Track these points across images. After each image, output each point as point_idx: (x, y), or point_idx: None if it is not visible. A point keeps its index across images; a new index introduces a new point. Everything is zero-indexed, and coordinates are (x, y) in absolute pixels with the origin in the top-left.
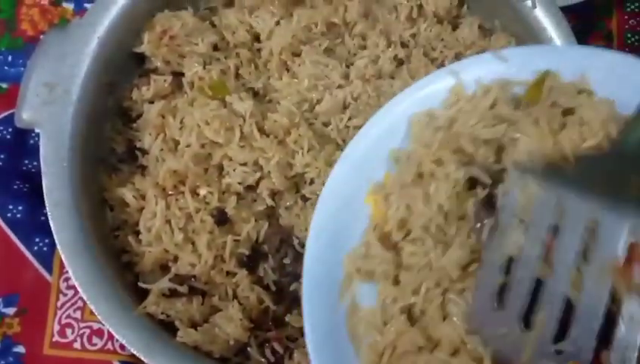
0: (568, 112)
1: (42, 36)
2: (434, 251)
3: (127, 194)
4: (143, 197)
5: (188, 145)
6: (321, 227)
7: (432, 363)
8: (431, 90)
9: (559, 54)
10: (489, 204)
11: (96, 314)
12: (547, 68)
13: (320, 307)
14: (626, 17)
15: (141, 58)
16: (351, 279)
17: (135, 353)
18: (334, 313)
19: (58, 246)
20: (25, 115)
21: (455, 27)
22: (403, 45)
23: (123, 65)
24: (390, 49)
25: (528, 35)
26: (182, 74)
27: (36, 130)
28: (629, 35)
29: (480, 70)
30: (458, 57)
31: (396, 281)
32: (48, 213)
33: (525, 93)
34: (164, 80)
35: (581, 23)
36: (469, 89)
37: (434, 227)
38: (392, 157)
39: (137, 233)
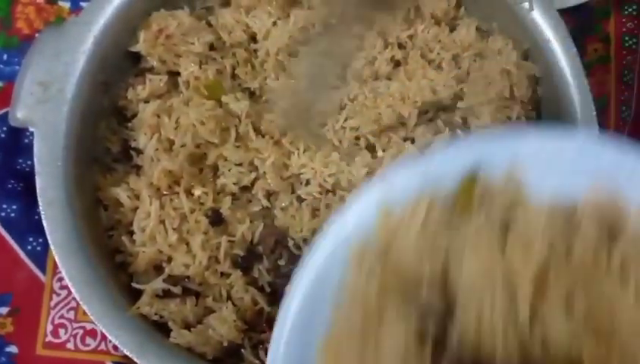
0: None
1: (37, 35)
2: None
3: (122, 194)
4: (138, 197)
5: (183, 145)
6: None
7: None
8: (359, 214)
9: (486, 144)
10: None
11: (89, 314)
12: (474, 166)
13: None
14: (624, 19)
15: (136, 58)
16: None
17: (128, 354)
18: None
19: (52, 246)
20: (19, 114)
21: (452, 29)
22: (400, 46)
23: (119, 64)
24: (387, 50)
25: (525, 37)
26: (178, 74)
27: (31, 129)
28: (627, 38)
29: (406, 179)
30: (455, 58)
31: None
32: (42, 212)
33: (456, 202)
34: (160, 80)
35: (578, 25)
36: (397, 204)
37: None
38: (333, 305)
39: (131, 233)
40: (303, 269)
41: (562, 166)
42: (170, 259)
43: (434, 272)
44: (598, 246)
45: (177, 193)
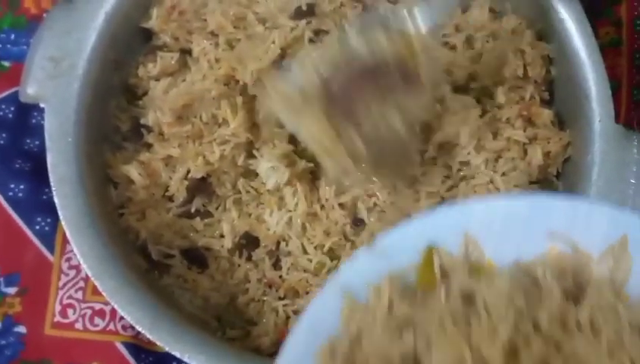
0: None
1: (46, 13)
2: None
3: (132, 171)
4: (149, 174)
5: None
6: None
7: None
8: (323, 309)
9: (434, 221)
10: None
11: (101, 290)
12: (428, 243)
13: None
14: (635, 3)
15: (147, 36)
16: None
17: (140, 329)
18: None
19: (63, 222)
20: (30, 90)
21: (465, 10)
22: None
23: (130, 41)
24: None
25: (539, 16)
26: (188, 52)
27: (41, 105)
28: (639, 22)
29: (364, 271)
30: (469, 40)
31: None
32: (53, 188)
33: (417, 280)
34: (171, 57)
35: (589, 9)
36: (360, 296)
37: None
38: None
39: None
40: None
41: (515, 230)
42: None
43: (406, 359)
44: (564, 309)
45: None
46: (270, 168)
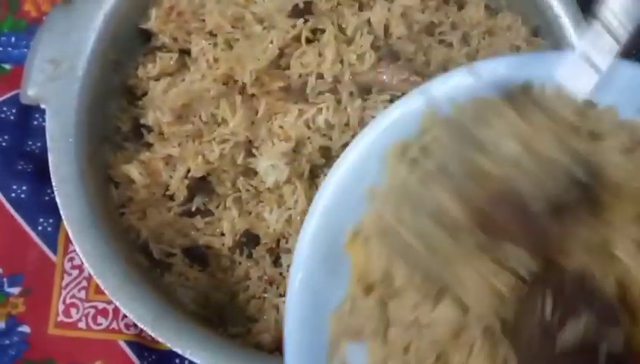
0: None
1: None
2: (420, 306)
3: (133, 171)
4: (149, 174)
5: None
6: (300, 288)
7: None
8: (402, 115)
9: (533, 62)
10: None
11: (103, 288)
12: (525, 80)
13: None
14: None
15: (146, 36)
16: (338, 342)
17: (143, 327)
18: None
19: (65, 221)
20: (30, 92)
21: (461, 7)
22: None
23: (129, 42)
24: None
25: (534, 13)
26: (187, 52)
27: (42, 107)
28: None
29: (452, 88)
30: (465, 37)
31: (386, 339)
32: (55, 189)
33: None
34: (170, 58)
35: (584, 6)
36: (442, 111)
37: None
38: (368, 196)
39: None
40: (339, 162)
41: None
42: None
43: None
44: None
45: None
46: (269, 166)
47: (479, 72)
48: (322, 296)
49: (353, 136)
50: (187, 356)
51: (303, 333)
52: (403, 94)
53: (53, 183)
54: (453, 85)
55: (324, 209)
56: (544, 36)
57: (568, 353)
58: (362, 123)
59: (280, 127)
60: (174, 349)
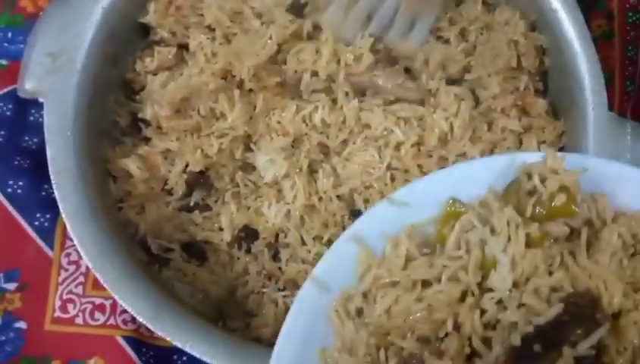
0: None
1: (43, 9)
2: None
3: (131, 165)
4: (148, 168)
5: None
6: None
7: None
8: (335, 265)
9: (451, 176)
10: None
11: (102, 282)
12: (449, 196)
13: None
14: None
15: (144, 31)
16: None
17: (142, 321)
18: None
19: (63, 215)
20: (28, 85)
21: (459, 2)
22: None
23: (127, 37)
24: None
25: (532, 8)
26: (186, 46)
27: (40, 100)
28: (630, 14)
29: (382, 223)
30: (463, 33)
31: None
32: (53, 182)
33: (436, 232)
34: (169, 52)
35: (582, 2)
36: (375, 250)
37: None
38: (321, 358)
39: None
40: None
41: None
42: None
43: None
44: None
45: None
46: (268, 161)
47: (402, 200)
48: None
49: (350, 134)
50: (187, 349)
51: None
52: (397, 98)
53: (51, 177)
54: (380, 219)
55: None
56: (542, 30)
57: None
58: (359, 124)
59: (278, 122)
60: (174, 343)
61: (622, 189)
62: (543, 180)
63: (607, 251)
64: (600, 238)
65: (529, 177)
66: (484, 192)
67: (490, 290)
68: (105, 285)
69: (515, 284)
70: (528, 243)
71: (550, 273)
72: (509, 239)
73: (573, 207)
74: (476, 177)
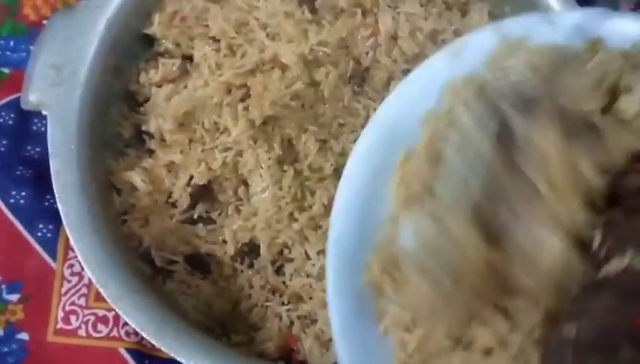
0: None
1: (45, 21)
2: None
3: (136, 178)
4: (152, 181)
5: None
6: (347, 205)
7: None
8: (469, 49)
9: (608, 19)
10: None
11: (105, 296)
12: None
13: (346, 289)
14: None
15: (148, 42)
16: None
17: (145, 336)
18: (361, 296)
19: (66, 229)
20: (32, 97)
21: (464, 14)
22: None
23: (131, 48)
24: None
25: None
26: (190, 58)
27: (43, 113)
28: None
29: (526, 30)
30: None
31: None
32: (56, 195)
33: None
34: (173, 64)
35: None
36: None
37: None
38: (426, 119)
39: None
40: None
41: None
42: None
43: None
44: None
45: None
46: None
47: (554, 20)
48: (369, 213)
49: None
50: None
51: (348, 249)
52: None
53: (55, 190)
54: (526, 26)
55: (381, 130)
56: None
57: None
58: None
59: None
60: (179, 359)
61: None
62: None
63: None
64: None
65: None
66: None
67: None
68: (107, 299)
69: None
70: None
71: None
72: None
73: None
74: None
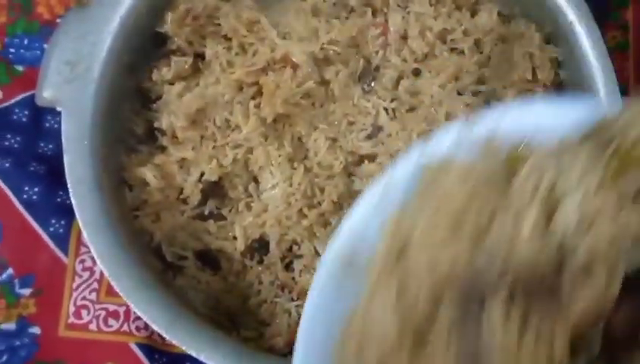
0: None
1: (58, 19)
2: None
3: (148, 174)
4: (163, 177)
5: None
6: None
7: None
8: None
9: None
10: None
11: (118, 290)
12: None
13: None
14: None
15: (161, 40)
16: None
17: (156, 329)
18: None
19: (80, 223)
20: (46, 93)
21: (474, 14)
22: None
23: (144, 46)
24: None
25: (547, 20)
26: (202, 55)
27: (57, 109)
28: None
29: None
30: (477, 44)
31: None
32: (70, 190)
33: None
34: (185, 62)
35: (596, 13)
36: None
37: None
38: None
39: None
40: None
41: None
42: None
43: None
44: None
45: None
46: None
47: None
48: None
49: None
50: (202, 358)
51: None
52: None
53: (68, 185)
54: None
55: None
56: (557, 43)
57: None
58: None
59: None
60: (189, 352)
61: None
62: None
63: None
64: None
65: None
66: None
67: None
68: (120, 293)
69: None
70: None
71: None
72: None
73: None
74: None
